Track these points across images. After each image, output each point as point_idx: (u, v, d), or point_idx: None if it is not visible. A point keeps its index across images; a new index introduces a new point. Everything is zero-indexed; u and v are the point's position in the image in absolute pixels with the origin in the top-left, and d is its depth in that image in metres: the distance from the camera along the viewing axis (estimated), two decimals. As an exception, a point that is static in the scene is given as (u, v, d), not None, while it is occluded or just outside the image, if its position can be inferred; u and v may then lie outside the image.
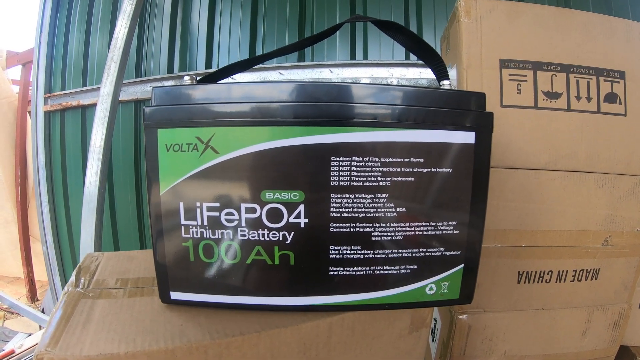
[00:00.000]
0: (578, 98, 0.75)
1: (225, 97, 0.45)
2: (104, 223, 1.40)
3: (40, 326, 2.19)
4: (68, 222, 2.04)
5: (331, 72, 1.36)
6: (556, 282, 0.79)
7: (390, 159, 0.45)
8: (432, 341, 0.91)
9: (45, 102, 1.99)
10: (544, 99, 0.75)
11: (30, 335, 1.93)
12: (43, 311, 2.39)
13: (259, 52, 1.49)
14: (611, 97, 0.76)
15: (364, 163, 0.45)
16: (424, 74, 1.30)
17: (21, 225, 2.84)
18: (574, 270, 0.79)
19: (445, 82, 0.51)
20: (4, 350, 1.59)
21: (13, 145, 2.84)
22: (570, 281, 0.80)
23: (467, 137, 0.47)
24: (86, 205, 1.36)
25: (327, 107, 0.44)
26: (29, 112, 2.65)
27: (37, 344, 1.38)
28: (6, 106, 2.79)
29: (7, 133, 2.81)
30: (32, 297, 2.87)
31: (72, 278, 0.59)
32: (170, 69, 1.61)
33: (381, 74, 1.34)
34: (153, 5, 1.67)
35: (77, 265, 0.64)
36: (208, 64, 1.54)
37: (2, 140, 2.78)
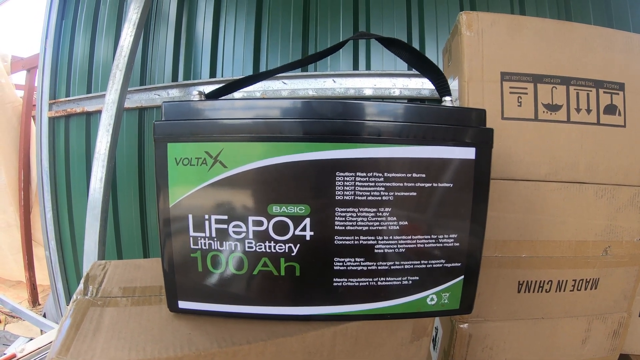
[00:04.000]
0: (578, 110, 0.77)
1: (233, 113, 0.46)
2: (107, 230, 1.41)
3: (41, 330, 2.19)
4: (71, 228, 2.04)
5: (334, 82, 1.37)
6: (556, 291, 0.80)
7: (393, 174, 0.47)
8: (433, 349, 0.92)
9: (49, 108, 2.00)
10: (544, 111, 0.76)
11: (31, 339, 1.93)
12: (44, 316, 2.40)
13: (262, 61, 1.50)
14: (611, 109, 0.77)
15: (367, 178, 0.46)
16: (426, 84, 1.31)
17: (24, 230, 2.84)
18: (573, 280, 0.80)
19: (447, 98, 0.52)
20: (5, 354, 1.59)
21: (17, 149, 2.84)
22: (570, 290, 0.80)
23: (468, 153, 0.48)
24: (90, 212, 1.37)
25: (332, 124, 0.46)
26: (33, 117, 2.67)
27: (38, 348, 1.38)
28: (10, 111, 2.80)
29: (12, 137, 2.82)
30: (34, 301, 2.87)
31: (80, 286, 0.60)
32: (174, 77, 1.62)
33: (384, 84, 1.35)
34: (158, 14, 1.68)
35: (85, 274, 0.65)
36: (212, 73, 1.55)
37: (6, 145, 2.79)
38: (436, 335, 0.90)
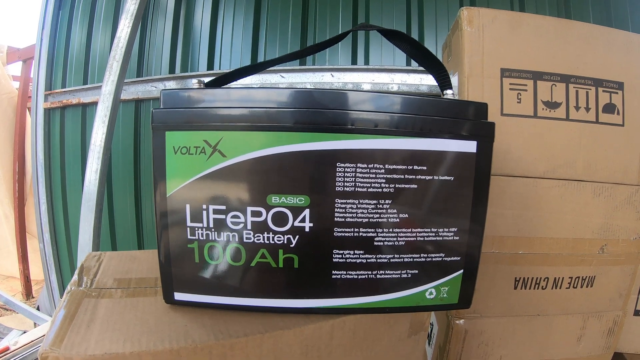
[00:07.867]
0: (577, 108, 0.76)
1: (234, 102, 0.46)
2: (102, 222, 1.40)
3: (35, 323, 2.17)
4: (66, 220, 2.03)
5: (332, 76, 1.36)
6: (552, 288, 0.80)
7: (394, 166, 0.46)
8: (428, 345, 0.92)
9: (45, 99, 1.98)
10: (543, 109, 0.76)
11: (25, 332, 1.91)
12: (38, 308, 2.38)
13: (261, 53, 1.49)
14: (609, 108, 0.77)
15: (368, 170, 0.46)
16: (425, 80, 1.31)
17: (18, 222, 2.83)
18: (569, 277, 0.80)
19: (448, 91, 0.52)
20: (-2, 347, 1.58)
21: (12, 141, 2.82)
22: (566, 288, 0.81)
23: (469, 146, 0.48)
24: (85, 204, 1.36)
25: (333, 114, 0.45)
26: (29, 109, 2.65)
27: (32, 341, 1.37)
28: (6, 102, 2.78)
29: (7, 129, 2.80)
30: (28, 294, 2.86)
31: (75, 277, 0.59)
32: (172, 69, 1.61)
33: (382, 79, 1.34)
34: (156, 5, 1.67)
35: (80, 265, 0.64)
36: (210, 65, 1.54)
37: (1, 136, 2.77)
38: (431, 331, 0.90)
